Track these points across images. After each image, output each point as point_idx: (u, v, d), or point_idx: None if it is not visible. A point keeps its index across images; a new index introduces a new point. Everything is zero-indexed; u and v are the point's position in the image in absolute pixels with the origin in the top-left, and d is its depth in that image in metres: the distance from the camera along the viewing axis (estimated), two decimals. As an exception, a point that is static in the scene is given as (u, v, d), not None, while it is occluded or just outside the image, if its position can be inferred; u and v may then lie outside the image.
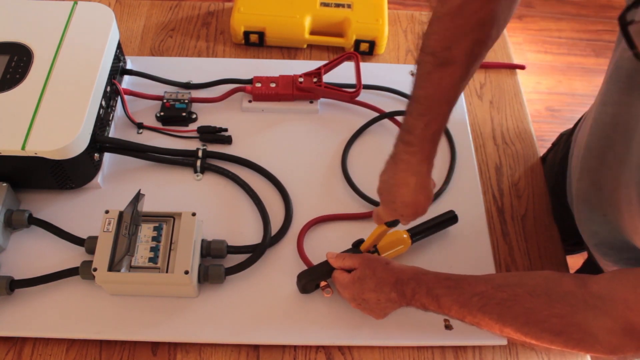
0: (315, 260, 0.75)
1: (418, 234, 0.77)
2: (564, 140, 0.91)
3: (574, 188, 0.75)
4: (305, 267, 0.75)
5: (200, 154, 0.84)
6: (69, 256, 0.75)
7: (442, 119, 0.60)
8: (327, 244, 0.78)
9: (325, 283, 0.71)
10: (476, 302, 0.58)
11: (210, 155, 0.85)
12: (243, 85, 0.92)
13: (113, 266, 0.67)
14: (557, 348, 0.55)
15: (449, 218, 0.79)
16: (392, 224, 0.71)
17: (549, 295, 0.55)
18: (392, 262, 0.67)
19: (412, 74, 0.98)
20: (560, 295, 0.55)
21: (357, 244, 0.74)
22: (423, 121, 0.59)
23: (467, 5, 0.54)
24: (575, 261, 0.91)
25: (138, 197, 0.68)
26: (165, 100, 0.89)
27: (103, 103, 0.80)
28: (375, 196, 0.82)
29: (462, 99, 0.95)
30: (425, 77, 0.58)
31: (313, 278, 0.71)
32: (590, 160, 0.71)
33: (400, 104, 0.94)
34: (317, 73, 0.91)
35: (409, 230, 0.77)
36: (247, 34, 1.00)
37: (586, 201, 0.72)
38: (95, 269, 0.67)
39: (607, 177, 0.66)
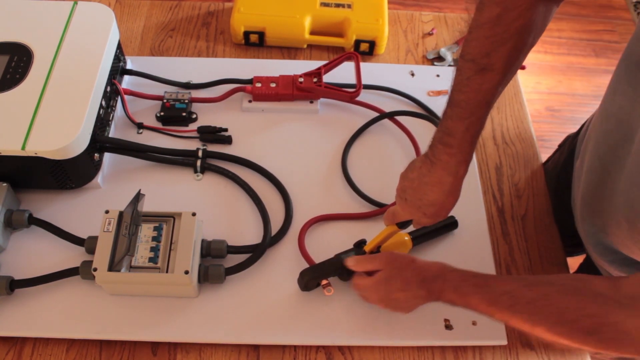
0: (316, 259, 0.75)
1: (418, 238, 0.77)
2: (569, 142, 0.91)
3: (581, 187, 0.75)
4: (306, 264, 0.75)
5: (200, 154, 0.84)
6: (69, 256, 0.75)
7: (481, 122, 0.62)
8: (327, 243, 0.78)
9: (327, 281, 0.71)
10: (505, 300, 0.57)
11: (210, 155, 0.85)
12: (243, 85, 0.92)
13: (113, 266, 0.67)
14: (589, 348, 0.55)
15: (449, 223, 0.79)
16: (404, 225, 0.71)
17: (581, 294, 0.55)
18: (417, 259, 0.66)
19: (412, 74, 0.98)
20: (592, 295, 0.54)
21: (359, 244, 0.74)
22: (464, 124, 0.61)
23: (506, 14, 0.56)
24: (574, 262, 0.91)
25: (138, 197, 0.68)
26: (165, 100, 0.89)
27: (103, 103, 0.80)
28: (375, 196, 0.82)
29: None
30: (466, 82, 0.60)
31: (316, 275, 0.71)
32: (595, 161, 0.70)
33: (400, 104, 0.94)
34: (317, 73, 0.91)
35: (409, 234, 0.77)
36: (247, 34, 1.00)
37: (589, 203, 0.72)
38: (95, 269, 0.67)
39: (607, 181, 0.66)
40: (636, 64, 0.60)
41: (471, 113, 0.61)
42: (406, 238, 0.76)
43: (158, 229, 0.71)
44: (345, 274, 0.73)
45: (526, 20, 0.56)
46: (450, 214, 0.79)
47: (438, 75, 0.99)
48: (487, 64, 0.58)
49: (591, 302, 0.54)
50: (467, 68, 0.60)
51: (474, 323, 0.73)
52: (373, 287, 0.67)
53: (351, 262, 0.70)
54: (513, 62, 0.59)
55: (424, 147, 0.86)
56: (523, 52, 0.59)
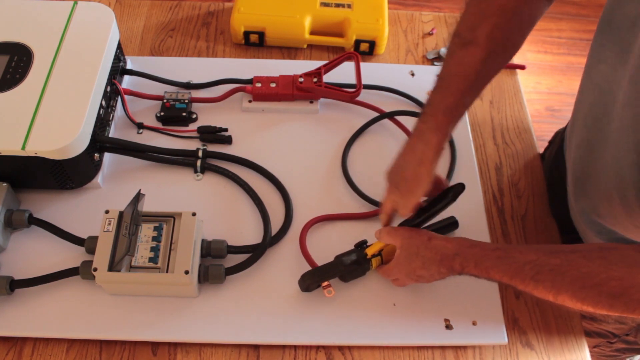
0: (316, 259, 0.75)
1: (417, 223, 0.76)
2: (559, 137, 0.92)
3: (571, 165, 0.75)
4: (306, 264, 0.75)
5: (200, 154, 0.84)
6: (69, 256, 0.75)
7: (459, 95, 0.64)
8: (327, 243, 0.78)
9: (327, 283, 0.71)
10: (528, 270, 0.57)
11: (211, 155, 0.85)
12: (243, 85, 0.92)
13: (113, 266, 0.67)
14: (616, 314, 0.54)
15: (450, 224, 0.79)
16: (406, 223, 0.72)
17: (606, 258, 0.54)
18: (434, 237, 0.66)
19: (412, 74, 0.98)
20: (618, 258, 0.54)
21: (360, 244, 0.74)
22: (440, 94, 0.64)
23: None
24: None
25: (138, 197, 0.68)
26: (165, 100, 0.89)
27: (103, 103, 0.80)
28: (375, 196, 0.82)
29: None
30: (450, 56, 0.64)
31: (318, 279, 0.71)
32: (584, 134, 0.70)
33: (400, 104, 0.94)
34: (317, 73, 0.91)
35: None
36: (247, 34, 1.00)
37: (580, 181, 0.72)
38: (95, 269, 0.67)
39: (596, 152, 0.66)
40: (617, 29, 0.61)
41: (449, 84, 0.64)
42: None
43: (158, 229, 0.71)
44: (347, 275, 0.73)
45: None
46: (450, 215, 0.79)
47: (438, 75, 0.98)
48: (471, 38, 0.62)
49: (617, 265, 0.53)
50: (453, 43, 0.64)
51: (474, 323, 0.73)
52: (396, 269, 0.68)
53: (377, 234, 0.72)
54: (496, 40, 0.62)
55: (424, 147, 0.87)
56: (506, 32, 0.63)
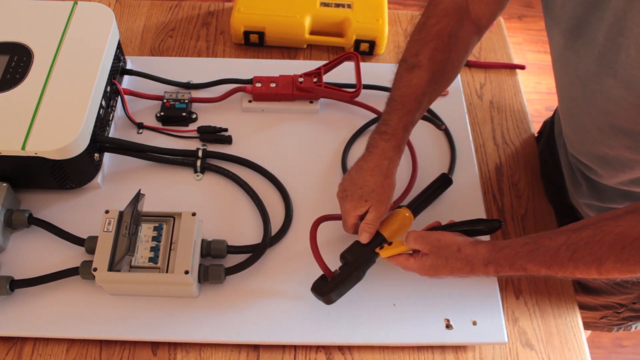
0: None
1: (417, 206, 0.76)
2: (548, 126, 0.95)
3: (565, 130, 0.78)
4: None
5: (200, 154, 0.84)
6: (69, 256, 0.75)
7: (413, 113, 0.71)
8: (327, 244, 0.78)
9: None
10: (564, 252, 0.57)
11: (211, 155, 0.85)
12: (243, 85, 0.92)
13: (113, 266, 0.67)
14: None
15: (444, 181, 0.78)
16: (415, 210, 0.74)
17: (633, 212, 0.54)
18: (463, 246, 0.65)
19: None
20: None
21: (373, 242, 0.72)
22: (397, 115, 0.71)
23: (428, 21, 0.72)
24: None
25: (138, 197, 0.68)
26: (165, 100, 0.89)
27: (103, 103, 0.80)
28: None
29: (461, 98, 0.95)
30: (399, 79, 0.73)
31: (342, 293, 0.70)
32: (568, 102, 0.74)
33: (400, 104, 0.94)
34: (317, 73, 0.91)
35: (407, 207, 0.75)
36: (247, 34, 1.00)
37: (573, 143, 0.76)
38: (95, 269, 0.67)
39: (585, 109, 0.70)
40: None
41: (403, 105, 0.71)
42: (407, 214, 0.74)
43: (158, 229, 0.71)
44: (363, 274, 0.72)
45: (443, 25, 0.71)
46: (448, 207, 0.78)
47: (438, 75, 0.98)
48: (416, 62, 0.71)
49: None
50: (401, 68, 0.73)
51: (474, 322, 0.73)
52: (419, 270, 0.67)
53: (404, 238, 0.70)
54: (437, 62, 0.71)
55: (420, 148, 0.87)
56: (445, 53, 0.71)
